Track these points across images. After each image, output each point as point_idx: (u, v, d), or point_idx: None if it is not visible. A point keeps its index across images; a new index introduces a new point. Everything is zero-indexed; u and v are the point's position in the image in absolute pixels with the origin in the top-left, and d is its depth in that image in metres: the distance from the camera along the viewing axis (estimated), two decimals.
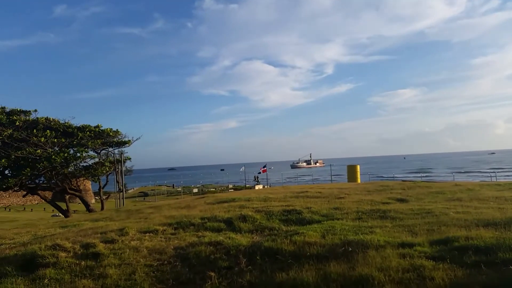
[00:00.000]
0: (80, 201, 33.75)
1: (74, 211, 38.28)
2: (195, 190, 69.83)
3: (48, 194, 34.61)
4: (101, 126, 30.50)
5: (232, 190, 61.21)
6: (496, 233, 6.71)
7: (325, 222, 9.24)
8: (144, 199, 67.60)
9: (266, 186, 58.49)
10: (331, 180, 53.67)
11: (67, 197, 30.70)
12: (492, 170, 66.38)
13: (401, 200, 12.89)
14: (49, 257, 7.22)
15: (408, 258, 5.72)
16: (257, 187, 55.50)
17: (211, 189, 70.32)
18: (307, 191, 17.93)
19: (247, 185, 68.75)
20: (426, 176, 66.65)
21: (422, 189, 16.05)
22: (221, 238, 8.12)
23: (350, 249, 6.40)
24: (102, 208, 30.12)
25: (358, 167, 34.51)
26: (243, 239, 8.04)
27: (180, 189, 75.62)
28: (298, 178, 76.67)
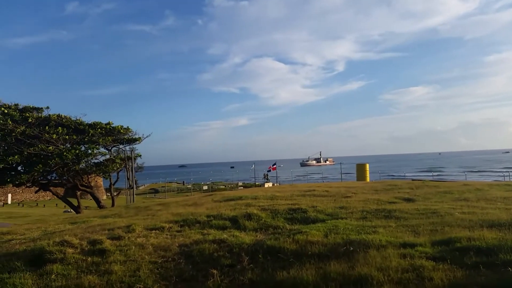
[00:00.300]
0: (91, 197, 34.26)
1: (86, 207, 38.85)
2: (205, 188, 70.17)
3: (60, 190, 35.20)
4: (112, 123, 30.90)
5: (242, 187, 61.43)
6: (499, 234, 6.69)
7: (329, 221, 9.27)
8: (154, 195, 68.19)
9: (275, 184, 58.50)
10: (341, 179, 53.47)
11: (79, 193, 31.18)
12: (505, 170, 65.36)
13: (408, 200, 12.85)
14: (56, 253, 7.40)
15: (408, 258, 5.74)
16: (266, 185, 55.55)
17: (221, 187, 70.63)
18: (314, 190, 17.95)
19: (256, 183, 68.84)
20: (437, 175, 66.03)
21: (430, 188, 15.94)
22: (225, 236, 8.22)
23: (352, 248, 6.44)
24: (113, 205, 30.53)
25: (367, 165, 34.34)
26: (246, 238, 8.13)
27: (190, 186, 76.06)
28: (308, 176, 76.57)
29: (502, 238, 6.31)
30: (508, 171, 54.47)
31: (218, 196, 17.68)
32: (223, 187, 69.70)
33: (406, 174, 64.78)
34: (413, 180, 28.04)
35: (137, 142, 32.89)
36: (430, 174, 63.75)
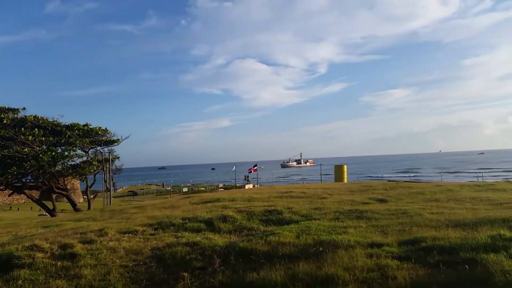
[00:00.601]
0: (67, 200, 33.61)
1: (62, 210, 38.06)
2: (185, 190, 69.66)
3: (35, 193, 34.39)
4: (90, 125, 30.43)
5: (222, 189, 61.27)
6: (463, 233, 6.92)
7: (303, 222, 9.40)
8: (133, 198, 67.32)
9: (256, 186, 58.65)
10: (321, 180, 54.00)
11: (54, 196, 30.53)
12: (479, 170, 67.21)
13: (381, 201, 13.12)
14: (25, 257, 7.27)
15: (375, 258, 5.90)
16: (247, 187, 55.63)
17: (201, 189, 70.23)
18: (291, 191, 18.12)
19: (237, 185, 68.78)
20: (414, 176, 67.32)
21: (403, 189, 16.31)
22: (198, 238, 8.24)
23: (321, 249, 6.56)
24: (89, 208, 30.02)
25: (345, 167, 34.84)
26: (220, 240, 8.17)
27: (169, 188, 75.40)
28: (288, 178, 76.98)
29: (465, 237, 6.53)
30: (482, 172, 56.08)
31: (195, 198, 17.65)
32: (204, 189, 69.35)
33: (383, 175, 65.86)
34: (389, 181, 28.60)
35: (115, 143, 32.43)
36: (407, 175, 65.03)
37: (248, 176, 73.19)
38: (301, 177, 73.78)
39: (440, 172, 65.89)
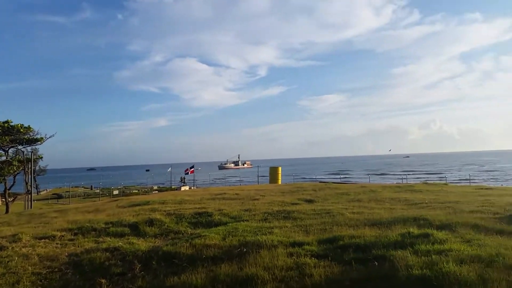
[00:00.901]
0: None
1: None
2: (116, 192, 66.56)
3: None
4: (11, 122, 28.05)
5: (157, 191, 59.57)
6: (378, 231, 7.38)
7: (231, 224, 9.42)
8: (57, 201, 63.04)
9: (192, 188, 57.82)
10: (258, 182, 54.64)
11: None
12: (403, 173, 72.13)
13: (309, 201, 13.58)
14: None
15: (295, 257, 6.07)
16: (183, 189, 54.56)
17: (134, 191, 67.62)
18: (225, 193, 18.13)
19: (173, 187, 67.30)
20: (344, 177, 70.68)
21: (331, 190, 17.04)
22: (120, 243, 7.92)
23: (245, 250, 6.62)
24: (7, 211, 27.61)
25: (280, 169, 35.63)
26: (143, 244, 7.93)
27: (98, 191, 71.77)
28: (225, 179, 76.94)
29: (379, 235, 6.96)
30: (406, 174, 60.34)
31: (123, 201, 16.98)
32: (136, 191, 66.85)
33: (316, 177, 68.40)
34: (320, 182, 29.77)
35: (39, 142, 30.20)
36: (338, 176, 68.11)
37: (184, 178, 71.92)
38: (238, 179, 74.07)
39: (368, 174, 69.70)
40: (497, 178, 63.23)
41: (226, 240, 7.47)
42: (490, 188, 16.60)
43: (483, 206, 9.80)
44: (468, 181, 44.19)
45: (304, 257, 6.06)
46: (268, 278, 5.33)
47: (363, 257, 5.82)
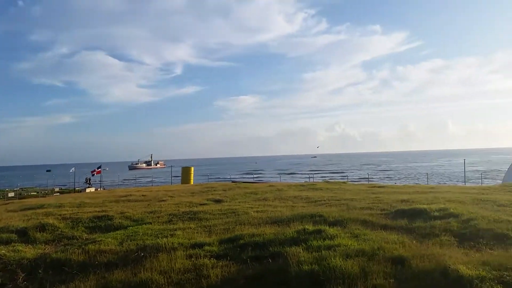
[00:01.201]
0: None
1: None
2: (11, 194, 59.91)
3: None
4: None
5: (58, 194, 54.98)
6: (278, 229, 7.64)
7: (132, 227, 9.07)
8: None
9: (98, 189, 54.43)
10: (171, 182, 53.35)
11: None
12: (311, 172, 76.08)
13: (218, 201, 13.62)
14: None
15: (194, 259, 6.02)
16: (88, 190, 51.05)
17: (32, 193, 61.62)
18: (131, 195, 17.42)
19: (76, 188, 62.62)
20: (257, 177, 72.32)
21: (240, 189, 17.30)
22: (3, 251, 7.14)
23: (143, 254, 6.40)
24: None
25: (192, 169, 35.24)
26: (31, 252, 7.26)
27: None
28: (136, 180, 73.80)
29: (278, 232, 7.20)
30: (313, 173, 63.72)
31: (15, 205, 15.40)
32: (35, 193, 61.04)
33: (230, 176, 68.91)
34: (232, 182, 30.08)
35: None
36: (251, 176, 69.48)
37: (90, 179, 67.37)
38: (150, 180, 71.43)
39: (279, 174, 72.22)
40: (391, 177, 69.84)
41: (124, 244, 7.15)
42: (383, 186, 18.21)
43: (373, 203, 10.69)
44: (367, 180, 48.18)
45: (204, 258, 6.04)
46: (163, 282, 5.21)
47: (260, 255, 5.98)
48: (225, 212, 10.45)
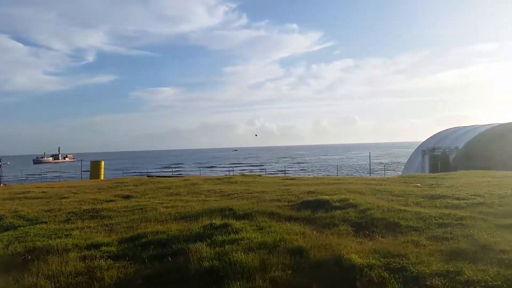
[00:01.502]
0: None
1: None
2: None
3: None
4: None
5: None
6: (185, 225, 7.45)
7: (24, 228, 8.21)
8: None
9: None
10: (81, 177, 49.88)
11: None
12: (231, 165, 76.57)
13: (127, 197, 12.97)
14: None
15: (88, 261, 5.59)
16: None
17: None
18: (29, 191, 15.88)
19: None
20: (176, 170, 70.89)
21: (153, 184, 16.70)
22: None
23: (30, 257, 5.80)
24: None
25: (103, 163, 33.24)
26: None
27: None
28: (42, 175, 67.83)
29: (184, 228, 7.01)
30: (233, 166, 64.13)
31: None
32: None
33: (148, 170, 66.54)
34: (148, 176, 28.95)
35: None
36: (170, 170, 67.89)
37: None
38: (58, 175, 66.13)
39: (199, 167, 71.60)
40: (305, 169, 73.24)
41: (10, 247, 6.42)
42: (294, 179, 18.85)
43: (282, 195, 10.96)
44: (284, 172, 49.86)
45: (100, 259, 5.64)
46: (50, 287, 4.74)
47: (162, 253, 5.76)
48: (132, 208, 9.95)
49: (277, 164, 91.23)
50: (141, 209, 9.81)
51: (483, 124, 33.05)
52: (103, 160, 35.11)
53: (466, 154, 26.96)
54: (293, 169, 73.80)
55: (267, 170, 54.66)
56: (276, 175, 40.10)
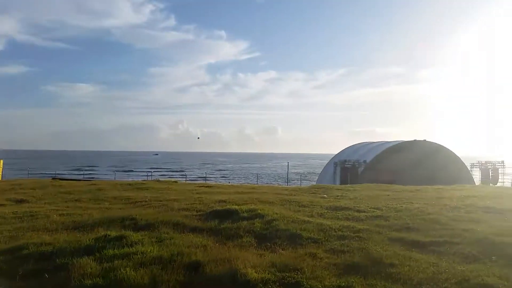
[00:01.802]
0: None
1: None
2: None
3: None
4: None
5: None
6: (78, 235, 6.83)
7: None
8: None
9: None
10: None
11: None
12: (150, 169, 73.77)
13: (20, 201, 11.74)
14: None
15: None
16: None
17: None
18: None
19: None
20: (88, 173, 66.57)
21: (54, 188, 15.35)
22: None
23: None
24: None
25: (1, 162, 29.92)
26: None
27: None
28: None
29: (73, 240, 6.38)
30: (152, 171, 61.83)
31: None
32: None
33: (57, 172, 61.45)
34: (53, 179, 26.61)
35: None
36: (81, 172, 63.52)
37: None
38: None
39: (114, 171, 67.86)
40: (226, 176, 73.30)
41: None
42: (210, 186, 18.57)
43: (193, 204, 10.64)
44: (204, 179, 49.26)
45: None
46: None
47: (43, 268, 5.16)
48: (22, 215, 8.96)
49: (198, 170, 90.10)
50: (32, 216, 8.87)
51: (391, 140, 35.90)
52: (2, 159, 31.54)
53: (373, 167, 28.96)
54: (214, 176, 73.49)
55: (187, 176, 53.61)
56: (196, 181, 39.50)
